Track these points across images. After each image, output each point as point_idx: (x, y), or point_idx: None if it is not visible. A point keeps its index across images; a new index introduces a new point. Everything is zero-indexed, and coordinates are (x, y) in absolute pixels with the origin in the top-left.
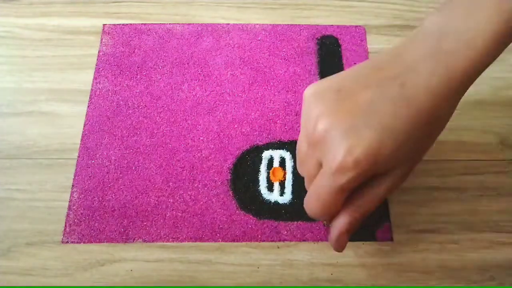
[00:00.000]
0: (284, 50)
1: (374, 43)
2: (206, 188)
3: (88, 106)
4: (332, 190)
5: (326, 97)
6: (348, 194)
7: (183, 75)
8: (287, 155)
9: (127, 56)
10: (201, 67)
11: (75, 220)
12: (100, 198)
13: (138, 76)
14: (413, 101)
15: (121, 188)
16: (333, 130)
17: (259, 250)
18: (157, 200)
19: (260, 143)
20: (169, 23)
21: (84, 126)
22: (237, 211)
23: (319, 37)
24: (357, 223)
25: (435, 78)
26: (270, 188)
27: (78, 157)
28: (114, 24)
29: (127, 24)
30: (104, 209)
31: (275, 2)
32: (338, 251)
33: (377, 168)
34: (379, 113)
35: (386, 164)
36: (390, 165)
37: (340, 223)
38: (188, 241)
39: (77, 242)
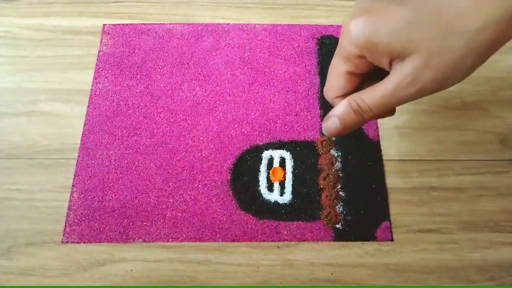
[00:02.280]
0: (284, 50)
1: None
2: (206, 188)
3: (88, 106)
4: (335, 60)
5: None
6: (353, 73)
7: (183, 75)
8: (287, 155)
9: (127, 56)
10: (201, 67)
11: (75, 220)
12: (100, 198)
13: (138, 76)
14: None
15: (121, 188)
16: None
17: (259, 250)
18: (157, 200)
19: (260, 143)
20: (169, 23)
21: (84, 126)
22: (237, 211)
23: (319, 37)
24: (351, 116)
25: None
26: (270, 188)
27: (78, 157)
28: (114, 24)
29: (127, 24)
30: (104, 209)
31: (275, 2)
32: (326, 134)
33: (380, 41)
34: None
35: (389, 42)
36: (396, 44)
37: (336, 107)
38: (188, 241)
39: (77, 242)
